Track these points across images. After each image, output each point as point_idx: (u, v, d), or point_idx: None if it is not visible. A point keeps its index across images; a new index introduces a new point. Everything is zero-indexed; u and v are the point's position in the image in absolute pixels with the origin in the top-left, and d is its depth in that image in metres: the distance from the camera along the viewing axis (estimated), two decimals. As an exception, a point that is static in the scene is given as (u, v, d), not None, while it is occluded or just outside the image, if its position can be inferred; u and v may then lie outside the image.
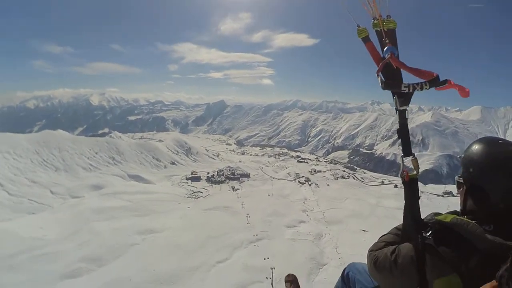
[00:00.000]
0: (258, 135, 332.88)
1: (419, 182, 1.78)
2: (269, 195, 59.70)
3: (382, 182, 79.77)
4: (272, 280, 28.29)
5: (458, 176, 1.69)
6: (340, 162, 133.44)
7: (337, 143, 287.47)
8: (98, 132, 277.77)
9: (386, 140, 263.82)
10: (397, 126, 1.78)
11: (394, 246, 1.67)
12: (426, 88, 1.60)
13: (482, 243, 1.31)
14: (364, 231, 43.42)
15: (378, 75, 1.70)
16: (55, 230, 40.41)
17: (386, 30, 1.75)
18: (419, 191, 1.74)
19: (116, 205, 49.97)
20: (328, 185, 73.47)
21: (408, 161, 1.77)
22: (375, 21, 1.75)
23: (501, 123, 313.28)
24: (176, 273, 29.43)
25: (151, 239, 37.54)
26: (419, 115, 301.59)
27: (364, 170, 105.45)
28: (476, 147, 1.57)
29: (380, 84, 1.68)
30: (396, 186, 71.29)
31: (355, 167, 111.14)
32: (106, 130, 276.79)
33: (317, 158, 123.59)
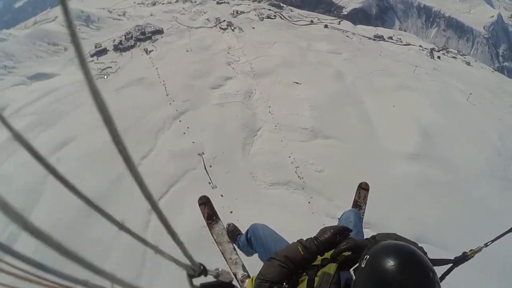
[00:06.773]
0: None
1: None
2: (187, 50, 49.78)
3: (312, 21, 73.57)
4: (205, 166, 24.57)
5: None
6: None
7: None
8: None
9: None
10: None
11: None
12: None
13: None
14: (297, 83, 39.95)
15: None
16: None
17: None
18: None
19: (20, 128, 34.89)
20: (254, 27, 65.05)
21: None
22: None
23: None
24: (100, 190, 22.64)
25: (65, 155, 27.64)
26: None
27: (291, 8, 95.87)
28: (382, 255, 1.18)
29: None
30: (326, 26, 66.14)
31: (282, 4, 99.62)
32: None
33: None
